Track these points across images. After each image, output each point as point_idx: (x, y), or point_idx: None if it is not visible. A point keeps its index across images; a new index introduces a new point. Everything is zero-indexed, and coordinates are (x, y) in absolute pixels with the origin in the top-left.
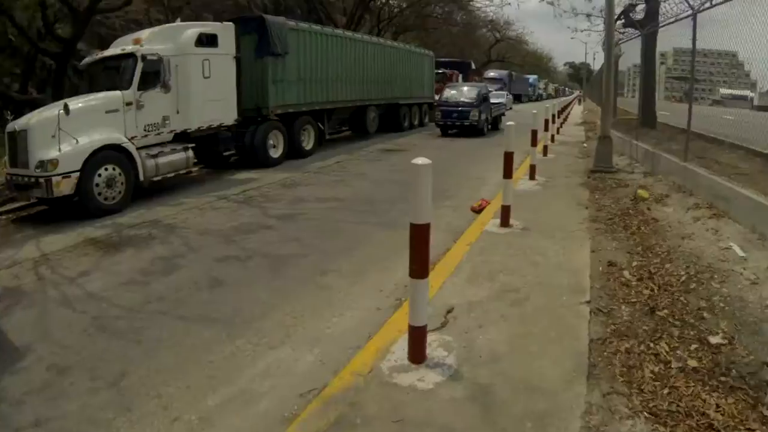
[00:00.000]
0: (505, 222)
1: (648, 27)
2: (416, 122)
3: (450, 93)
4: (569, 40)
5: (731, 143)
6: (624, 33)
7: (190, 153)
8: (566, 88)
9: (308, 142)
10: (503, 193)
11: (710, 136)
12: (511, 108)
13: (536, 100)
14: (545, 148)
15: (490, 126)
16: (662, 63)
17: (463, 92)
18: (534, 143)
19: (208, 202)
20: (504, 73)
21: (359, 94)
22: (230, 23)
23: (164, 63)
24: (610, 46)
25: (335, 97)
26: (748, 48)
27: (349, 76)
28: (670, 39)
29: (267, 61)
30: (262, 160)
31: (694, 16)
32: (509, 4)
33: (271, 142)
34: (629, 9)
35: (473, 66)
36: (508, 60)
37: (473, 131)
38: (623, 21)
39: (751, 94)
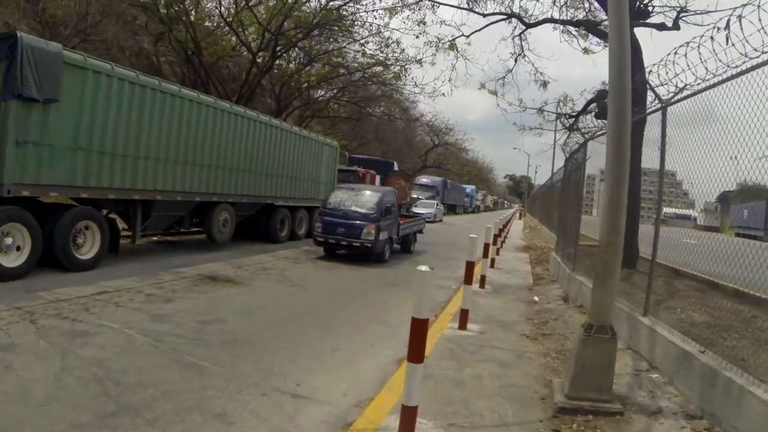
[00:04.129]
0: None
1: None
2: (302, 231)
3: (338, 198)
4: (510, 152)
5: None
6: (586, 132)
7: None
8: (505, 201)
9: (89, 248)
10: None
11: (701, 276)
12: (441, 220)
13: (473, 212)
14: (464, 315)
15: (398, 245)
16: (602, 180)
17: (357, 198)
18: (417, 356)
19: None
20: (438, 180)
21: (200, 185)
22: None
23: None
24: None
25: (151, 183)
26: (684, 167)
27: (183, 154)
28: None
29: (9, 108)
30: None
31: None
32: (443, 95)
33: (9, 240)
34: (601, 96)
35: (396, 167)
36: (445, 167)
37: (369, 255)
38: (595, 113)
39: (695, 214)
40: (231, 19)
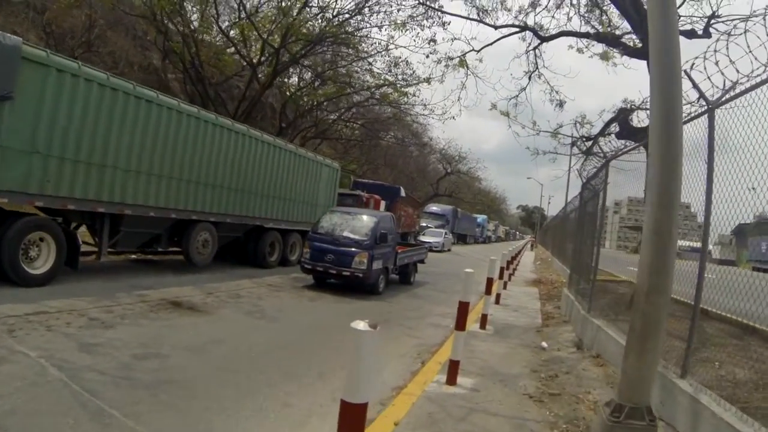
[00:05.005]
0: None
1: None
2: (294, 257)
3: (330, 222)
4: (524, 183)
5: None
6: (601, 155)
7: None
8: (517, 232)
9: (42, 262)
10: None
11: (731, 317)
12: (449, 250)
13: (483, 242)
14: (454, 368)
15: (396, 274)
16: (616, 212)
17: (350, 223)
18: None
19: None
20: (448, 209)
21: (178, 200)
22: None
23: None
24: None
25: (119, 195)
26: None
27: (159, 167)
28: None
29: None
30: None
31: None
32: (453, 118)
33: None
34: (623, 114)
35: (402, 192)
36: (457, 196)
37: (360, 285)
38: (616, 133)
39: (710, 247)
40: (229, 31)
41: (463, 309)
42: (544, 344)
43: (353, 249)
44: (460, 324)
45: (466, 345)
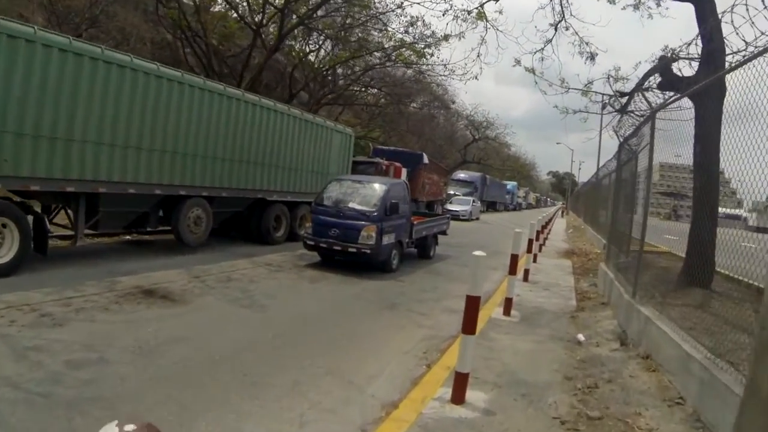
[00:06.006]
0: None
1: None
2: (303, 231)
3: (334, 192)
4: (554, 149)
5: None
6: (641, 115)
7: None
8: (548, 199)
9: (6, 251)
10: None
11: None
12: (477, 218)
13: (514, 209)
14: (461, 381)
15: (413, 248)
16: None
17: (356, 193)
18: None
19: None
20: (476, 175)
21: (162, 175)
22: None
23: None
24: None
25: (92, 172)
26: (732, 164)
27: (137, 138)
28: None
29: None
30: None
31: None
32: (475, 78)
33: None
34: (666, 62)
35: (425, 159)
36: (485, 162)
37: (369, 262)
38: (658, 82)
39: (745, 214)
40: None
41: (472, 306)
42: (581, 337)
43: (360, 222)
44: (468, 326)
45: (485, 339)
